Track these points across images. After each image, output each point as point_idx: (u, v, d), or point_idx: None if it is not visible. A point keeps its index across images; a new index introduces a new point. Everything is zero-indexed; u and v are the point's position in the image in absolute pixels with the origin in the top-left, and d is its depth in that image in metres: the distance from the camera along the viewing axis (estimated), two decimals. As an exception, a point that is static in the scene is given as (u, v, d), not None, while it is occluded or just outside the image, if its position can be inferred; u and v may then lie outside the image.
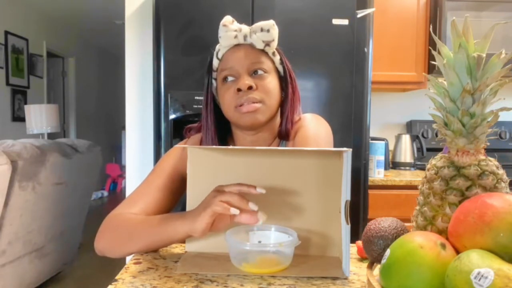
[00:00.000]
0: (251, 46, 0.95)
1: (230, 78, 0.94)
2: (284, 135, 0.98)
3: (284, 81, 0.99)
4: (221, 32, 0.93)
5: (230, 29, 0.93)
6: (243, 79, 0.91)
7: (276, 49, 0.98)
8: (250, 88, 0.91)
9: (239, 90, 0.91)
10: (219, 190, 0.74)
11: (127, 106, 2.27)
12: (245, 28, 0.94)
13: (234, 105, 0.92)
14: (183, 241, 0.83)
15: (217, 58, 0.96)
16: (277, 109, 0.98)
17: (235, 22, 0.94)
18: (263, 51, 0.95)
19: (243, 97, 0.91)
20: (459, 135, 0.61)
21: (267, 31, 0.93)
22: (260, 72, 0.94)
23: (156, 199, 0.92)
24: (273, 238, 0.78)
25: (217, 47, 0.97)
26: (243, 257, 0.73)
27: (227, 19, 0.93)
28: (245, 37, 0.94)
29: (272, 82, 0.95)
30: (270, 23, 0.93)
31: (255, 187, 0.73)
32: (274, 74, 0.97)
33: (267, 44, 0.94)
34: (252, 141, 0.99)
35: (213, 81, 1.00)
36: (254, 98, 0.91)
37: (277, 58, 0.98)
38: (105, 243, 0.85)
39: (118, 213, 0.89)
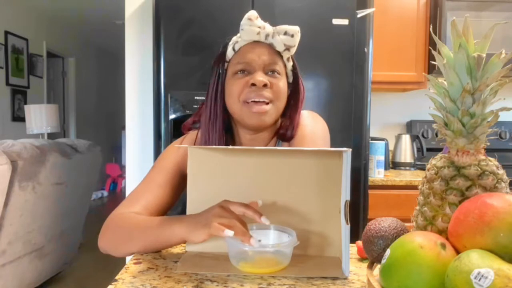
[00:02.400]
0: (270, 46, 0.94)
1: (243, 72, 0.93)
2: (288, 139, 0.98)
3: (293, 88, 1.00)
4: (245, 25, 0.92)
5: (254, 24, 0.92)
6: (258, 75, 0.91)
7: (291, 55, 0.98)
8: (265, 85, 0.90)
9: (253, 85, 0.90)
10: (223, 207, 0.73)
11: (127, 106, 2.27)
12: (268, 27, 0.94)
13: (243, 99, 0.92)
14: (180, 244, 0.83)
15: (233, 49, 0.95)
16: (280, 113, 0.98)
17: (259, 18, 0.94)
18: (279, 54, 0.95)
19: (255, 93, 0.90)
20: (459, 135, 0.61)
21: (291, 36, 0.93)
22: (274, 72, 0.94)
23: (157, 196, 0.92)
24: (272, 238, 0.78)
25: (235, 38, 0.96)
26: (242, 256, 0.73)
27: (253, 13, 0.92)
28: (266, 36, 0.93)
29: (284, 85, 0.95)
30: (296, 29, 0.93)
31: (260, 215, 0.72)
32: (285, 79, 0.97)
33: (288, 48, 0.94)
34: (251, 139, 0.99)
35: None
36: (265, 96, 0.91)
37: (290, 64, 0.98)
38: (107, 242, 0.86)
39: (120, 213, 0.89)
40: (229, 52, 0.96)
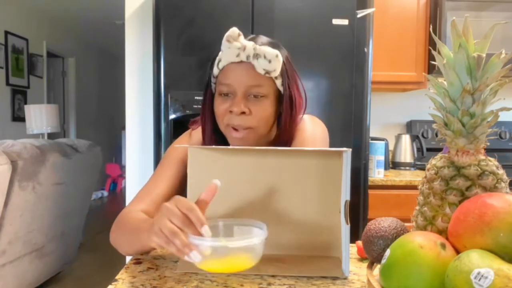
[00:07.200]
0: (253, 66, 0.89)
1: (227, 95, 0.91)
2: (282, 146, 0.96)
3: (287, 101, 0.94)
4: (223, 46, 0.89)
5: (233, 46, 0.87)
6: (238, 101, 0.89)
7: (286, 57, 0.94)
8: (243, 113, 0.89)
9: (232, 111, 0.89)
10: (168, 208, 0.64)
11: (127, 106, 2.27)
12: (249, 48, 0.88)
13: (226, 123, 0.91)
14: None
15: (218, 67, 0.92)
16: (270, 128, 0.95)
17: (242, 36, 0.89)
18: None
19: (235, 119, 0.89)
20: (459, 135, 0.61)
21: (268, 62, 0.88)
22: (257, 96, 0.90)
23: (165, 190, 0.94)
24: (239, 234, 0.72)
25: (220, 55, 0.92)
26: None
27: (233, 33, 0.87)
28: (247, 57, 0.88)
29: (267, 108, 0.91)
30: (274, 54, 0.88)
31: (202, 225, 0.62)
32: (272, 97, 0.92)
33: (267, 72, 0.89)
34: None
35: (213, 85, 0.97)
36: (244, 124, 0.89)
37: (279, 82, 0.93)
38: (114, 239, 0.88)
39: (128, 211, 0.90)
40: (215, 70, 0.93)
